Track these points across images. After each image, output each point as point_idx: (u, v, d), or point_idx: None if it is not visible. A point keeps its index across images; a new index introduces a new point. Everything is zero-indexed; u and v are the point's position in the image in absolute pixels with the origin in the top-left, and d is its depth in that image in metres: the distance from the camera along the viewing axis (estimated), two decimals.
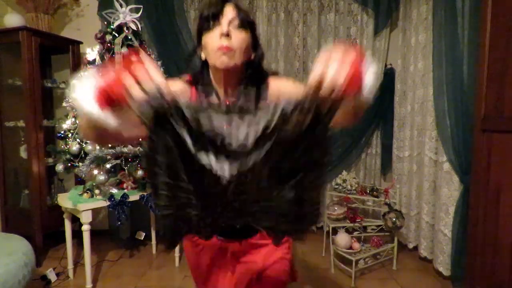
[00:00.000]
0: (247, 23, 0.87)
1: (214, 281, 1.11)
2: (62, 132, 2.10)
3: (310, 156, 0.62)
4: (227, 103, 0.82)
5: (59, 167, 2.04)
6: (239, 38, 0.84)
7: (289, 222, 0.66)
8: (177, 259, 2.58)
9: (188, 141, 0.59)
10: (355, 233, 2.52)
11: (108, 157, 2.07)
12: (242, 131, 0.60)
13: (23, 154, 2.61)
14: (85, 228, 2.07)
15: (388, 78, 3.01)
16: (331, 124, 0.60)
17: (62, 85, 2.73)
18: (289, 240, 1.08)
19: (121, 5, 2.23)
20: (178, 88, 0.91)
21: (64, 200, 2.18)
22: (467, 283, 1.86)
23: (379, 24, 2.96)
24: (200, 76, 0.93)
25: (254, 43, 0.92)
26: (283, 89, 0.94)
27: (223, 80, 0.90)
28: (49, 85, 2.72)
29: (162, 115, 0.57)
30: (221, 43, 0.82)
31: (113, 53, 2.19)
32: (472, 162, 1.85)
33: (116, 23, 2.21)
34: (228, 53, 0.82)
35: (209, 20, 0.84)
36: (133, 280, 2.34)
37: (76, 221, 2.35)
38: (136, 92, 0.55)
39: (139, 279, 2.36)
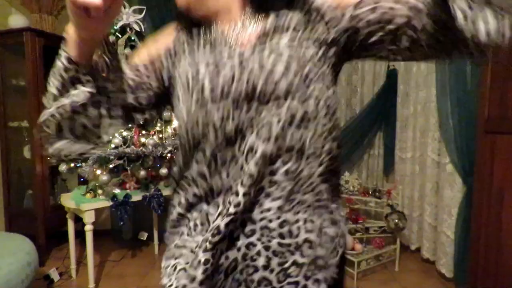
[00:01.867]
0: None
1: None
2: None
3: None
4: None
5: (62, 167, 2.05)
6: None
7: None
8: None
9: None
10: (357, 234, 2.51)
11: (111, 157, 2.08)
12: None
13: (26, 154, 2.62)
14: (88, 228, 2.08)
15: (390, 79, 3.00)
16: None
17: None
18: None
19: (124, 6, 2.23)
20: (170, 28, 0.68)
21: (67, 200, 2.19)
22: (470, 285, 1.85)
23: None
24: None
25: None
26: None
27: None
28: None
29: None
30: None
31: None
32: (475, 164, 1.84)
33: (119, 24, 2.22)
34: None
35: None
36: (136, 280, 2.34)
37: (79, 221, 2.36)
38: None
39: (141, 279, 2.37)
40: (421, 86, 2.58)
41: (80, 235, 2.58)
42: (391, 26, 0.52)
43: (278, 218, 0.55)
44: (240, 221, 0.55)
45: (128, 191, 2.28)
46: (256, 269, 0.55)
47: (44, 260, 2.54)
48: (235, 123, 0.53)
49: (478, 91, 1.85)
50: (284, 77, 0.52)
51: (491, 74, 1.69)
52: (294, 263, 0.55)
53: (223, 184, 0.56)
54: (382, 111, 3.04)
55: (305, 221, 0.56)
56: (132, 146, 2.14)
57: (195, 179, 0.59)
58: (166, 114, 2.34)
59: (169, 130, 2.36)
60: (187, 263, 0.58)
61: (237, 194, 0.53)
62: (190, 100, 0.55)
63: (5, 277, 1.53)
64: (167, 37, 0.64)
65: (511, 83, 1.59)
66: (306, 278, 0.55)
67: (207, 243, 0.53)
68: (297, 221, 0.56)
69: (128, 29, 2.24)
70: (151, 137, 2.24)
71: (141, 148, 2.17)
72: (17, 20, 2.52)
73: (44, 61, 2.53)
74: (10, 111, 2.59)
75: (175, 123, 2.39)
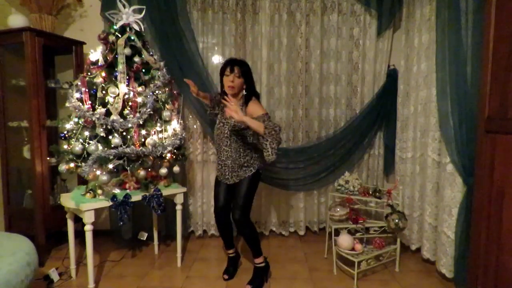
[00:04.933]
0: (242, 74, 2.15)
1: None
2: (65, 132, 2.10)
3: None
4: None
5: (62, 167, 2.05)
6: (237, 82, 2.15)
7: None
8: (179, 260, 2.58)
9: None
10: (358, 234, 2.51)
11: (111, 157, 2.07)
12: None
13: (26, 154, 2.62)
14: (88, 228, 2.08)
15: (391, 79, 3.00)
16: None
17: (65, 86, 2.74)
18: None
19: (124, 6, 2.23)
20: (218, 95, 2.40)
21: (67, 200, 2.19)
22: (470, 285, 1.85)
23: (382, 25, 2.95)
24: (221, 88, 2.28)
25: (246, 82, 2.19)
26: (251, 109, 2.13)
27: (228, 90, 2.17)
28: (53, 85, 2.72)
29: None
30: (230, 83, 2.14)
31: (116, 53, 2.19)
32: (476, 164, 1.84)
33: (119, 24, 2.22)
34: (231, 89, 2.16)
35: (226, 68, 2.16)
36: (135, 281, 2.34)
37: (78, 221, 2.36)
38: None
39: (141, 279, 2.37)
40: (421, 86, 2.58)
41: (79, 235, 2.58)
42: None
43: (226, 153, 2.23)
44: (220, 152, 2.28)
45: (128, 191, 2.28)
46: (223, 159, 2.26)
47: (43, 260, 2.54)
48: (217, 132, 2.28)
49: (478, 91, 1.85)
50: (232, 128, 2.18)
51: (491, 74, 1.69)
52: (230, 161, 2.23)
53: (218, 147, 2.29)
54: (382, 111, 3.04)
55: (229, 155, 2.22)
56: (132, 146, 2.14)
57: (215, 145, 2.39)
58: (166, 114, 2.34)
59: (169, 130, 2.36)
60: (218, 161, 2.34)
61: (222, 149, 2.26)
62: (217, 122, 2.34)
63: (4, 277, 1.52)
64: (218, 96, 2.38)
65: (511, 83, 1.58)
66: (235, 168, 2.24)
67: (219, 160, 2.31)
68: (229, 153, 2.23)
69: (128, 29, 2.24)
70: (151, 137, 2.24)
71: (141, 148, 2.17)
72: (16, 20, 2.51)
73: (44, 61, 2.53)
74: (10, 111, 2.59)
75: (174, 123, 2.39)
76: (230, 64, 2.14)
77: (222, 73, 2.19)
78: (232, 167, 2.23)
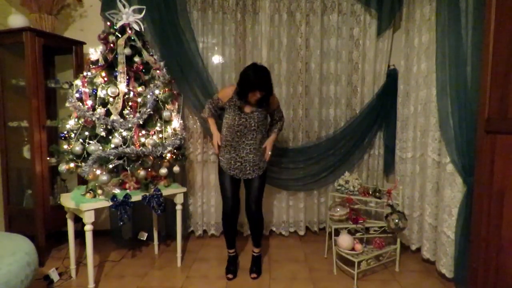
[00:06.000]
0: (265, 92, 2.20)
1: None
2: (65, 132, 2.10)
3: None
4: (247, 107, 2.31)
5: (62, 167, 2.05)
6: (260, 96, 2.20)
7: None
8: (179, 260, 2.58)
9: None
10: (358, 234, 2.51)
11: (111, 157, 2.07)
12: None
13: (26, 154, 2.62)
14: (88, 228, 2.08)
15: (391, 79, 3.00)
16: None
17: (65, 86, 2.74)
18: None
19: (124, 6, 2.23)
20: (230, 89, 2.32)
21: (67, 200, 2.19)
22: (470, 285, 1.85)
23: (382, 25, 2.95)
24: (240, 94, 2.23)
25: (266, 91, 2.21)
26: (274, 100, 2.40)
27: (252, 101, 2.24)
28: (53, 85, 2.72)
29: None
30: (256, 98, 2.20)
31: (116, 53, 2.19)
32: (476, 164, 1.84)
33: (119, 24, 2.22)
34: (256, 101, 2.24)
35: (254, 89, 2.15)
36: (135, 281, 2.34)
37: (78, 221, 2.36)
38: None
39: (141, 279, 2.37)
40: (421, 86, 2.58)
41: (79, 235, 2.58)
42: (274, 117, 2.49)
43: (249, 147, 2.32)
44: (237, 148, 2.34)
45: (128, 191, 2.28)
46: (243, 156, 2.32)
47: (43, 260, 2.54)
48: (240, 128, 2.28)
49: (478, 91, 1.85)
50: (258, 120, 2.28)
51: (491, 74, 1.69)
52: (252, 155, 2.33)
53: (237, 144, 2.32)
54: (382, 111, 3.04)
55: (253, 148, 2.33)
56: (132, 146, 2.14)
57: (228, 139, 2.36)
58: (166, 114, 2.33)
59: (169, 130, 2.36)
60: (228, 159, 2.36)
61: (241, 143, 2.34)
62: (230, 117, 2.30)
63: (4, 277, 1.52)
64: (229, 92, 2.31)
65: (511, 83, 1.58)
66: (257, 160, 2.36)
67: (238, 157, 2.33)
68: (251, 147, 2.32)
69: (128, 29, 2.24)
70: (151, 137, 2.24)
71: (141, 148, 2.17)
72: (16, 20, 2.51)
73: (44, 61, 2.52)
74: (10, 111, 2.59)
75: (174, 123, 2.39)
76: (260, 88, 2.15)
77: (249, 89, 2.15)
78: (254, 161, 2.32)
